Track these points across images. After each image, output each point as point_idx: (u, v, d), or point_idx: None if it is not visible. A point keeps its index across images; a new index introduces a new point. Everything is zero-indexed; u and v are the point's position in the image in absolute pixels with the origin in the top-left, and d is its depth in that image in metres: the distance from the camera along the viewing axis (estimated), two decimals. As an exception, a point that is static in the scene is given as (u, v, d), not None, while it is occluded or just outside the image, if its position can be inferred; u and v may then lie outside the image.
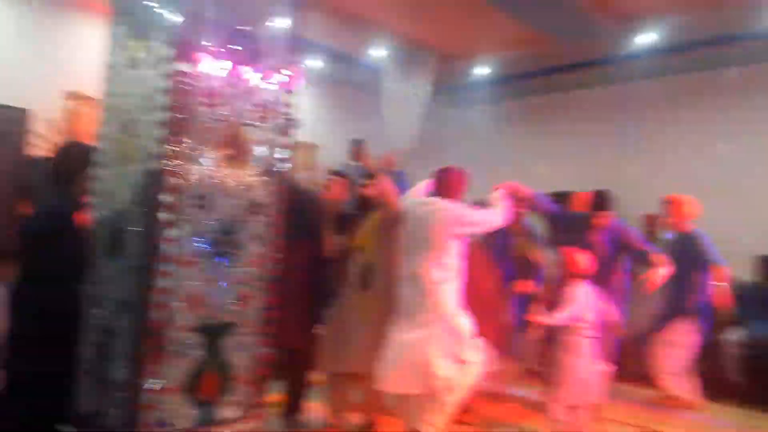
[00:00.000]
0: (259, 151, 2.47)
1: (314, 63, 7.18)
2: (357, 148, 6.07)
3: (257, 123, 2.46)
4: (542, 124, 7.85)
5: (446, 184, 3.45)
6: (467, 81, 7.53)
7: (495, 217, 3.45)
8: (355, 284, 3.53)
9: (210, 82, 2.29)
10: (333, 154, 7.38)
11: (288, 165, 2.55)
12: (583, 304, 3.58)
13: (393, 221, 3.59)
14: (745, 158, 6.41)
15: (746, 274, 5.75)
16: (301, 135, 7.03)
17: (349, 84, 7.62)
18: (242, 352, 2.45)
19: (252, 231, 2.44)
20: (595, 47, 6.33)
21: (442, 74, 6.82)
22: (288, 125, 2.57)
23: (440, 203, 3.36)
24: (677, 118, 6.77)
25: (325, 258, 3.77)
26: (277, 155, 2.52)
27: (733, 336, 5.44)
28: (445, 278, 3.23)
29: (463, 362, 3.17)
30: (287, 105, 2.57)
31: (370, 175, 3.86)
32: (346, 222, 3.87)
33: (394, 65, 6.29)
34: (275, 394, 3.53)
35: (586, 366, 3.56)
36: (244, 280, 2.42)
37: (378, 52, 6.65)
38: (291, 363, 3.52)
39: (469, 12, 5.76)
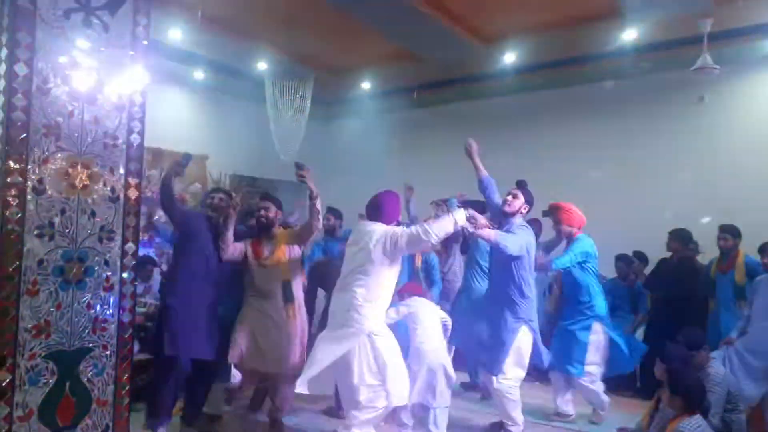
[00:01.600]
0: (106, 175, 2.52)
1: (199, 75, 7.19)
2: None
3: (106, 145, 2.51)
4: (419, 137, 8.27)
5: (381, 208, 3.55)
6: (348, 95, 7.81)
7: (427, 236, 3.38)
8: (274, 298, 3.89)
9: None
10: (220, 164, 7.42)
11: (135, 188, 2.60)
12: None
13: (298, 239, 4.05)
14: (603, 168, 7.08)
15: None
16: (190, 146, 7.05)
17: (235, 96, 7.68)
18: (101, 376, 2.52)
19: (102, 256, 2.51)
20: (464, 65, 6.78)
21: (324, 88, 7.05)
22: (135, 146, 2.62)
23: (376, 226, 3.47)
24: (540, 131, 7.37)
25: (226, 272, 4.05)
26: (128, 178, 2.59)
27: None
28: (373, 297, 3.40)
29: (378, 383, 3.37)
30: (134, 129, 2.63)
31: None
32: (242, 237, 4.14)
33: (277, 78, 6.44)
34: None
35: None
36: (97, 305, 2.50)
37: (261, 66, 6.77)
38: (196, 375, 3.81)
39: (342, 30, 6.01)
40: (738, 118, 6.60)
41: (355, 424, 3.38)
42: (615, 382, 5.79)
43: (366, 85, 7.56)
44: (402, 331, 3.95)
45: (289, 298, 3.92)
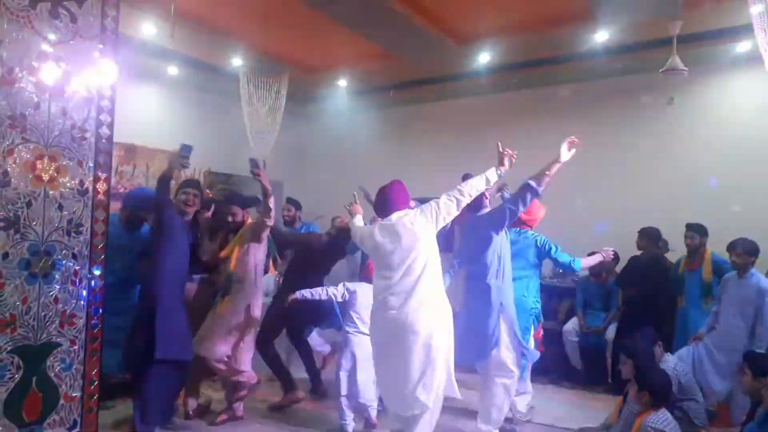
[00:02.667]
0: (74, 167, 2.49)
1: (173, 70, 7.12)
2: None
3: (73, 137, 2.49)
4: (395, 135, 8.32)
5: (394, 199, 3.58)
6: (324, 92, 7.81)
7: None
8: (221, 291, 4.26)
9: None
10: (195, 160, 7.34)
11: (104, 181, 2.58)
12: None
13: (253, 235, 4.26)
14: (573, 167, 7.16)
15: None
16: (164, 142, 6.97)
17: (210, 91, 7.62)
18: (69, 371, 2.49)
19: (71, 250, 2.48)
20: (439, 65, 6.83)
21: (299, 85, 7.04)
22: (104, 138, 2.60)
23: (400, 213, 3.52)
24: (513, 130, 7.45)
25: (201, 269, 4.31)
26: (97, 171, 2.56)
27: (570, 326, 6.16)
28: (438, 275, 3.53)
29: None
30: (103, 122, 2.60)
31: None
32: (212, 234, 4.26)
33: (252, 75, 6.41)
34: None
35: None
36: (65, 299, 2.47)
37: (236, 62, 6.73)
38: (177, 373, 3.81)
39: (317, 28, 6.00)
40: (706, 119, 6.75)
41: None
42: (587, 379, 5.92)
43: (342, 83, 7.56)
44: None
45: (229, 290, 4.21)
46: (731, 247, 4.86)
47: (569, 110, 7.32)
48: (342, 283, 4.35)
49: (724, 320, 4.84)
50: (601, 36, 6.02)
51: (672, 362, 4.03)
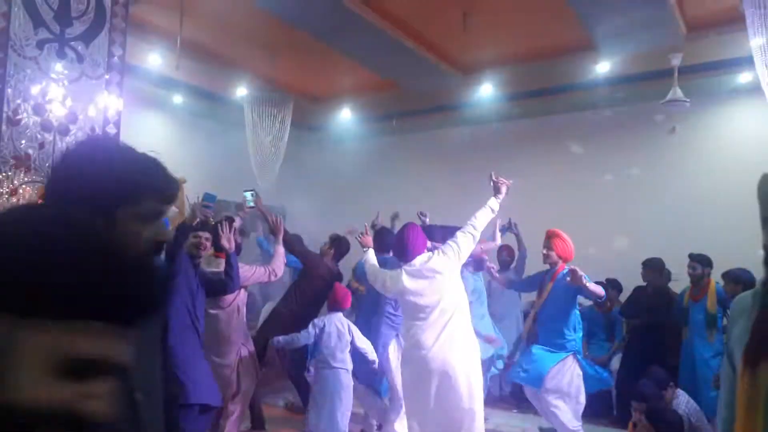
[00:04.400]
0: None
1: (178, 99, 7.19)
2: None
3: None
4: (399, 163, 8.34)
5: (412, 242, 3.76)
6: (328, 122, 7.87)
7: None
8: None
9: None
10: (198, 188, 7.37)
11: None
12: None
13: None
14: (576, 196, 7.19)
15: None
16: (169, 170, 7.03)
17: (214, 120, 7.69)
18: None
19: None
20: (442, 94, 6.89)
21: (303, 114, 7.10)
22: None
23: (423, 257, 3.73)
24: (515, 159, 7.48)
25: None
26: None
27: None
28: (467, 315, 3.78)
29: None
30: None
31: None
32: None
33: (256, 104, 6.47)
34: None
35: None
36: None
37: (241, 91, 6.80)
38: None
39: (322, 58, 6.08)
40: (708, 149, 6.76)
41: None
42: (591, 411, 5.84)
43: (346, 113, 7.62)
44: None
45: None
46: (725, 276, 4.88)
47: (570, 139, 7.36)
48: (311, 323, 4.27)
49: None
50: (603, 67, 6.07)
51: (684, 401, 3.96)
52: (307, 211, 7.42)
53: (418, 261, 3.70)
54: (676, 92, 5.61)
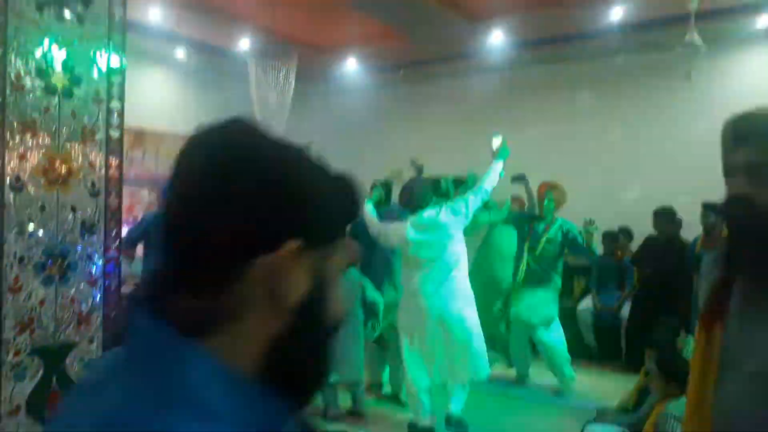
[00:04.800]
0: (86, 169, 2.49)
1: (180, 54, 7.07)
2: None
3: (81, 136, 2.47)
4: (406, 114, 8.22)
5: (421, 196, 3.91)
6: (334, 73, 7.72)
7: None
8: None
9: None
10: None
11: (116, 182, 2.58)
12: None
13: None
14: (589, 144, 7.10)
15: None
16: (173, 126, 6.97)
17: (218, 74, 7.57)
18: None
19: (85, 251, 2.50)
20: (451, 43, 6.72)
21: (309, 66, 6.96)
22: (115, 139, 2.59)
23: (431, 212, 3.84)
24: (527, 108, 7.36)
25: None
26: (108, 172, 2.57)
27: (585, 305, 6.17)
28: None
29: None
30: (113, 123, 2.59)
31: None
32: None
33: (260, 57, 6.34)
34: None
35: None
36: (81, 299, 2.49)
37: (244, 44, 6.67)
38: None
39: (326, 7, 5.91)
40: (724, 97, 6.58)
41: None
42: (601, 356, 5.94)
43: (352, 63, 7.46)
44: None
45: None
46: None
47: (582, 88, 7.19)
48: None
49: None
50: (617, 13, 5.86)
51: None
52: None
53: (426, 214, 3.81)
54: (693, 37, 5.43)
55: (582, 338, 6.09)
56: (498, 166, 4.00)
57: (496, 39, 6.48)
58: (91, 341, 2.53)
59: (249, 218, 0.53)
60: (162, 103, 7.36)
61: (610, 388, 4.92)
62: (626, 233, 6.29)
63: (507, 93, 7.45)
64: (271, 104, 6.27)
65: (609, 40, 6.41)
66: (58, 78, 2.37)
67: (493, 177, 3.95)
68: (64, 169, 2.41)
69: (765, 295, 1.14)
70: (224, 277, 0.53)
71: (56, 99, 2.36)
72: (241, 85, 6.84)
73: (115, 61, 2.54)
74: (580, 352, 5.99)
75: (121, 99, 2.58)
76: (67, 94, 2.41)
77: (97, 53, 2.47)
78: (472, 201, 3.82)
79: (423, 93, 8.14)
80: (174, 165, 0.58)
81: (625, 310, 5.94)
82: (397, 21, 6.11)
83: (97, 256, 2.53)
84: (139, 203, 6.81)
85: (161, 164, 6.99)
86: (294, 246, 0.55)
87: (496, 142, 4.14)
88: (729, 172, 1.19)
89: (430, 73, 7.88)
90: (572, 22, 6.28)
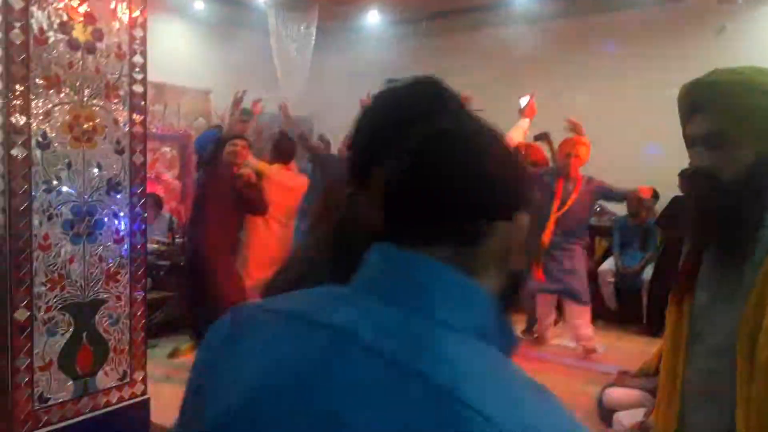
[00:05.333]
0: (110, 126, 2.47)
1: (199, 5, 6.93)
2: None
3: (103, 94, 2.44)
4: (429, 67, 8.01)
5: None
6: (355, 25, 7.53)
7: None
8: None
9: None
10: (224, 98, 7.26)
11: (139, 139, 2.55)
12: None
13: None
14: (615, 99, 6.89)
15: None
16: (194, 80, 6.88)
17: (238, 26, 7.42)
18: (116, 325, 2.56)
19: (111, 209, 2.50)
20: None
21: (330, 18, 6.79)
22: (138, 95, 2.55)
23: None
24: (551, 61, 7.13)
25: None
26: (132, 129, 2.54)
27: (606, 266, 6.13)
28: None
29: None
30: (136, 78, 2.55)
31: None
32: None
33: (280, 8, 6.19)
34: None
35: None
36: (109, 256, 2.51)
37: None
38: None
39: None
40: (758, 51, 6.34)
41: None
42: (621, 318, 5.93)
43: (373, 15, 7.27)
44: None
45: None
46: None
47: (610, 40, 6.94)
48: None
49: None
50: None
51: None
52: (335, 124, 7.29)
53: None
54: (731, -10, 5.21)
55: (603, 300, 6.06)
56: (522, 122, 3.94)
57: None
58: (118, 298, 2.56)
59: (499, 192, 0.62)
60: (181, 56, 7.25)
61: (631, 350, 4.91)
62: (652, 194, 6.17)
63: (530, 45, 7.20)
64: (292, 58, 6.15)
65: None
66: (80, 32, 2.32)
67: (516, 134, 3.87)
68: (89, 126, 2.38)
69: (729, 266, 1.11)
70: (474, 236, 0.61)
71: (79, 53, 2.32)
72: (261, 38, 6.72)
73: (136, 13, 2.48)
74: (601, 313, 5.99)
75: (143, 53, 2.53)
76: (90, 48, 2.36)
77: (118, 5, 2.41)
78: None
79: (445, 47, 7.92)
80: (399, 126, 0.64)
81: (647, 273, 5.87)
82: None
83: (122, 214, 2.53)
84: (160, 159, 6.80)
85: (183, 119, 6.95)
86: (524, 219, 0.64)
87: (524, 101, 4.03)
88: (688, 142, 1.17)
89: (453, 25, 7.64)
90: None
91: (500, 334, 0.60)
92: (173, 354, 4.44)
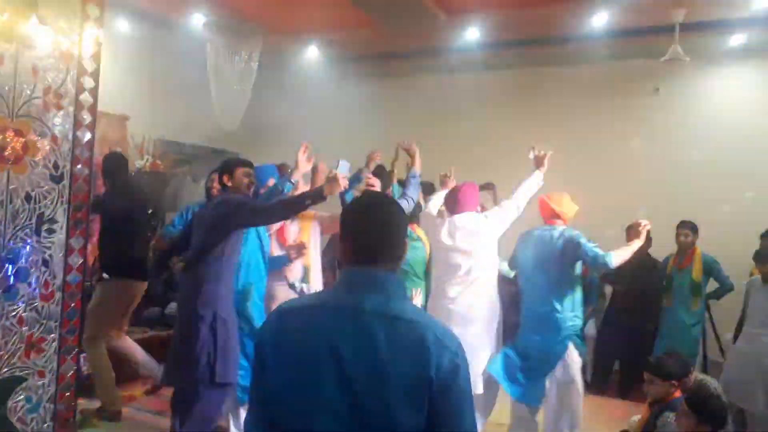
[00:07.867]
0: (48, 144, 1.89)
1: (123, 25, 6.22)
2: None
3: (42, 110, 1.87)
4: (377, 107, 7.73)
5: (465, 199, 3.91)
6: (299, 61, 7.11)
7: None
8: None
9: None
10: (143, 125, 6.52)
11: (84, 163, 1.98)
12: None
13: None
14: (560, 156, 6.88)
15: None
16: (110, 106, 6.12)
17: (164, 51, 6.74)
18: (36, 413, 1.89)
19: (41, 254, 1.88)
20: (424, 37, 6.35)
21: (274, 53, 6.33)
22: (87, 107, 1.99)
23: (470, 216, 3.88)
24: (494, 110, 7.10)
25: None
26: (75, 150, 1.96)
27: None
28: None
29: None
30: (85, 86, 1.99)
31: None
32: None
33: (219, 34, 5.64)
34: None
35: None
36: (32, 319, 1.87)
37: (198, 18, 5.96)
38: None
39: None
40: (691, 112, 6.62)
41: None
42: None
43: (313, 51, 6.90)
44: None
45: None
46: (757, 257, 4.49)
47: (551, 93, 7.02)
48: None
49: (750, 329, 4.46)
50: (599, 19, 5.68)
51: (713, 384, 3.69)
52: (274, 158, 6.75)
53: (465, 217, 3.82)
54: (677, 50, 5.35)
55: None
56: (537, 176, 4.03)
57: (471, 36, 6.15)
58: (41, 374, 1.91)
59: (404, 234, 1.45)
60: (101, 78, 6.47)
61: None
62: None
63: (477, 93, 7.13)
64: (231, 89, 5.59)
65: (584, 46, 6.25)
66: (17, 22, 1.75)
67: (529, 186, 3.99)
68: (18, 143, 1.78)
69: None
70: (399, 259, 1.43)
71: (13, 48, 1.75)
72: (188, 63, 6.12)
73: (93, 9, 1.94)
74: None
75: (98, 57, 1.99)
76: (27, 43, 1.79)
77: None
78: (510, 210, 3.91)
79: (389, 88, 7.70)
80: (364, 215, 1.45)
81: (589, 329, 5.76)
82: (372, 8, 5.61)
83: (56, 262, 1.91)
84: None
85: (98, 145, 6.11)
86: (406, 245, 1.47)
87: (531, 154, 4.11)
88: None
89: (397, 68, 7.46)
90: (549, 26, 6.09)
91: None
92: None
